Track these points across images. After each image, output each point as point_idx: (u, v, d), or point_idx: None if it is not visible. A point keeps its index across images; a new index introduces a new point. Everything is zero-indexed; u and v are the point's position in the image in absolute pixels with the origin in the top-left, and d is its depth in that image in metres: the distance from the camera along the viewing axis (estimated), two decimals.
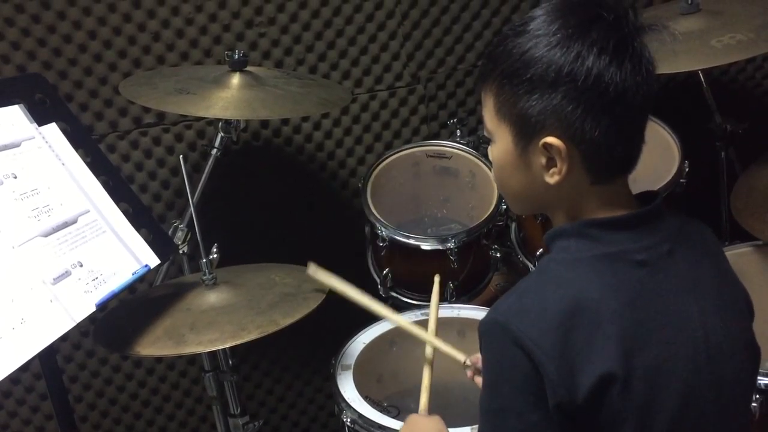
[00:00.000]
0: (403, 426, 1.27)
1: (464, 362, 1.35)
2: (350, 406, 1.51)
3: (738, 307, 1.04)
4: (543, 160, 0.96)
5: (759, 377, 1.44)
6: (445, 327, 1.73)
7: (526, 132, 0.96)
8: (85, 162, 1.47)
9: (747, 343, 1.03)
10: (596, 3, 0.95)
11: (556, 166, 0.95)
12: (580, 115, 0.92)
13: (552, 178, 0.96)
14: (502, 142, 1.00)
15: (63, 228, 1.34)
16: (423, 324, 1.54)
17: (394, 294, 1.94)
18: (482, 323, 0.96)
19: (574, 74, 0.91)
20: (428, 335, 1.46)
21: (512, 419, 0.92)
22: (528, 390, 0.91)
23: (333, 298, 1.54)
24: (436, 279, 1.69)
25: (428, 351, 1.44)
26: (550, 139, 0.94)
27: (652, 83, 0.95)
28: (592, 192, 0.98)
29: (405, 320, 1.52)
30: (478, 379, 1.31)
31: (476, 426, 1.01)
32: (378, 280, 1.94)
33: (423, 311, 1.80)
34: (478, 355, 1.24)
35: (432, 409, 1.34)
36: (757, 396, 1.42)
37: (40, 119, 1.44)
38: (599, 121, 0.93)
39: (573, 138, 0.94)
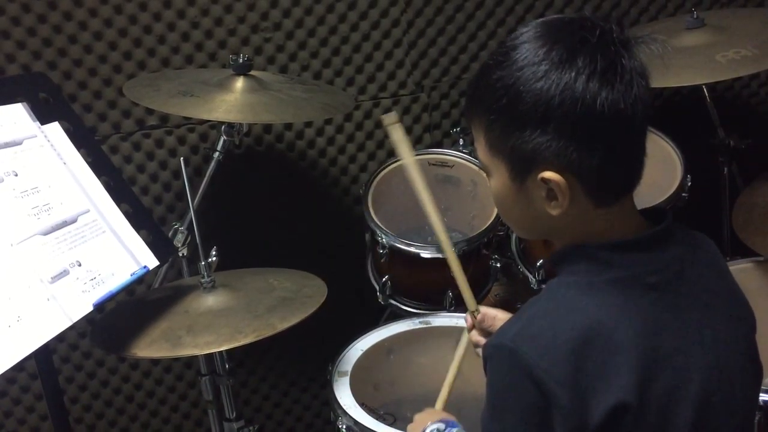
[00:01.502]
0: (418, 414, 1.24)
1: (473, 312, 1.31)
2: (346, 413, 1.50)
3: (744, 323, 1.02)
4: (543, 193, 0.93)
5: (761, 394, 1.43)
6: (443, 336, 1.72)
7: (521, 168, 0.93)
8: (86, 162, 1.46)
9: (752, 359, 1.02)
10: (579, 24, 0.90)
11: (557, 198, 0.92)
12: (575, 146, 0.88)
13: (554, 210, 0.93)
14: (498, 177, 0.97)
15: (62, 227, 1.34)
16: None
17: (393, 301, 1.93)
18: (489, 346, 0.93)
19: (565, 106, 0.87)
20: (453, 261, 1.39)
21: None
22: (533, 419, 0.89)
23: (331, 303, 1.53)
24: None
25: (461, 344, 1.37)
26: (548, 174, 0.90)
27: (646, 98, 0.91)
28: (597, 216, 0.94)
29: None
30: (474, 334, 1.31)
31: None
32: (377, 287, 1.93)
33: (421, 319, 1.79)
34: (485, 311, 1.28)
35: None
36: (758, 413, 1.41)
37: (43, 118, 1.43)
38: (595, 149, 0.89)
39: (571, 169, 0.90)
